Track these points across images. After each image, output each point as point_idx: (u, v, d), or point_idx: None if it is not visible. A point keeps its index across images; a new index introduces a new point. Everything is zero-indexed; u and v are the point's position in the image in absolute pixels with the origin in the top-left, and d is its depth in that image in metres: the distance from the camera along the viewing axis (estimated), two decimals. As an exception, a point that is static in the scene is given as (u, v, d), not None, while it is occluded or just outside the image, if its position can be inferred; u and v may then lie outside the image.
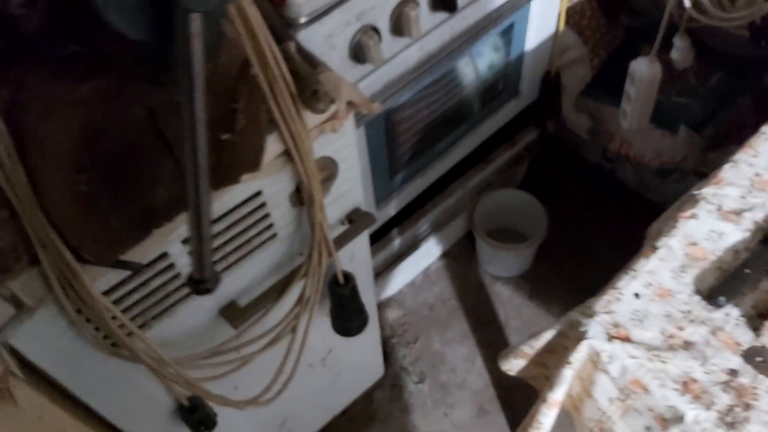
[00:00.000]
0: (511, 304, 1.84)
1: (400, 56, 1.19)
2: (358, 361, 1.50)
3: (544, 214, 1.75)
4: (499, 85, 1.53)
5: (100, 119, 0.61)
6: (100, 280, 0.77)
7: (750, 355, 0.80)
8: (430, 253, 1.84)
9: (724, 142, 1.58)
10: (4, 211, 0.67)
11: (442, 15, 1.19)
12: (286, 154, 0.85)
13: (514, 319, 1.82)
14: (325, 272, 1.01)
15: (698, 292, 0.84)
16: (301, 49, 0.87)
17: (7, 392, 0.78)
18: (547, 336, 0.92)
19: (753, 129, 1.55)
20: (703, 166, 1.61)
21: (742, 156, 0.94)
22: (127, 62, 0.58)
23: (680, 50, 1.36)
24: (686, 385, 0.79)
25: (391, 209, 1.52)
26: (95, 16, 0.58)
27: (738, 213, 0.88)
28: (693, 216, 0.89)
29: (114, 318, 0.79)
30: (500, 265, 1.85)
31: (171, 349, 0.91)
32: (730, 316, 0.83)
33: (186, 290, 0.90)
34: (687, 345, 0.81)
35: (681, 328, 0.82)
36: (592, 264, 1.86)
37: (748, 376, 0.79)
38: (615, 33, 1.62)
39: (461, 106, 1.48)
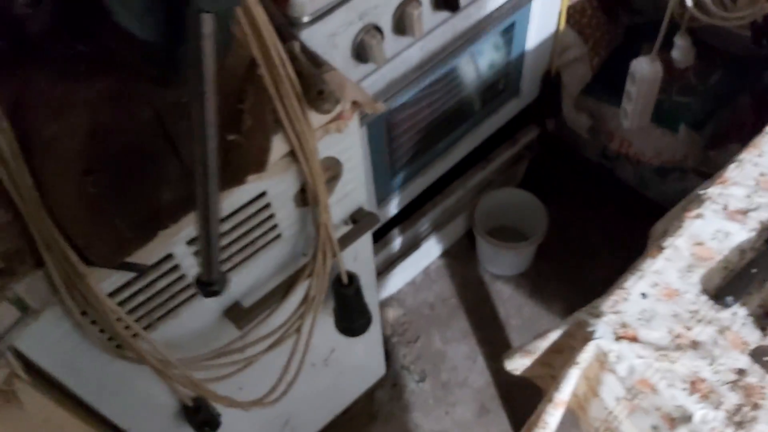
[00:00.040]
0: (511, 303, 1.84)
1: (402, 55, 1.19)
2: (360, 361, 1.50)
3: (544, 212, 1.75)
4: (500, 84, 1.53)
5: (107, 120, 0.61)
6: (105, 282, 0.76)
7: (757, 355, 0.80)
8: (430, 252, 1.84)
9: (724, 140, 1.58)
10: (9, 213, 0.67)
11: (444, 14, 1.19)
12: (291, 154, 0.85)
13: (515, 317, 1.82)
14: (330, 272, 1.01)
15: (705, 291, 0.85)
16: (305, 49, 0.87)
17: (12, 395, 0.78)
18: (554, 336, 0.92)
19: (753, 128, 1.56)
20: (703, 165, 1.62)
21: (747, 156, 0.94)
22: (134, 63, 0.58)
23: (681, 49, 1.36)
24: (694, 385, 0.79)
25: (392, 209, 1.52)
26: (101, 16, 0.58)
27: (744, 213, 0.88)
28: (699, 216, 0.89)
29: (119, 320, 0.78)
30: (500, 263, 1.85)
31: (175, 351, 0.91)
32: (737, 316, 0.83)
33: (191, 291, 0.90)
34: (695, 345, 0.81)
35: (688, 328, 0.82)
36: (591, 262, 1.87)
37: (756, 376, 0.79)
38: (615, 32, 1.62)
39: (462, 106, 1.47)
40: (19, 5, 0.56)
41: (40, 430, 0.85)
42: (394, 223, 1.61)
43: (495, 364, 1.75)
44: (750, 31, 1.20)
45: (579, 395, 0.96)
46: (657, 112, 1.52)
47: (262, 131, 0.75)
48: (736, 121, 1.56)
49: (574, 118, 1.70)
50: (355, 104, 0.87)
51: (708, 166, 1.61)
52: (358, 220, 1.05)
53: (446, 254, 1.92)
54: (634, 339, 0.82)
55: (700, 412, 0.78)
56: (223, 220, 0.84)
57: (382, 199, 1.46)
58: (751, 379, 0.79)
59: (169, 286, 0.86)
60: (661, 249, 0.88)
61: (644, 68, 1.35)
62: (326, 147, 0.90)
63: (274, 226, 0.94)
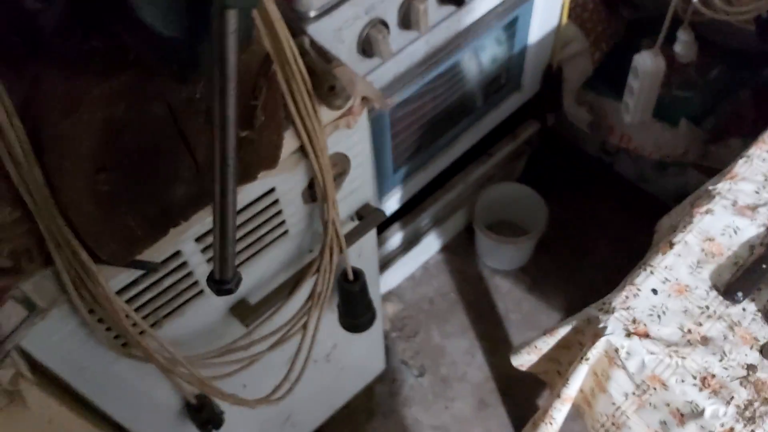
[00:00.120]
0: (510, 298, 1.84)
1: (407, 50, 1.18)
2: (360, 356, 1.50)
3: (544, 207, 1.75)
4: (502, 79, 1.53)
5: (121, 117, 0.59)
6: (113, 279, 0.75)
7: (767, 350, 0.80)
8: (429, 246, 1.84)
9: (724, 135, 1.59)
10: (17, 211, 0.66)
11: (449, 8, 1.18)
12: (301, 150, 0.84)
13: (514, 312, 1.82)
14: (336, 269, 1.00)
15: (715, 287, 0.85)
16: (314, 44, 0.86)
17: (17, 395, 0.77)
18: (563, 332, 0.92)
19: (753, 122, 1.57)
20: (703, 160, 1.62)
21: (756, 151, 0.94)
22: (150, 59, 0.56)
23: (684, 44, 1.36)
24: (705, 381, 0.79)
25: (394, 204, 1.51)
26: (115, 11, 0.57)
27: (753, 208, 0.89)
28: (709, 211, 0.89)
29: (127, 317, 0.77)
30: (500, 258, 1.85)
31: (181, 348, 0.90)
32: (747, 312, 0.83)
33: (197, 289, 0.89)
34: (705, 340, 0.81)
35: (699, 324, 0.82)
36: (591, 257, 1.87)
37: (765, 371, 0.79)
38: (616, 26, 1.62)
39: (464, 100, 1.47)
40: (31, 0, 0.54)
41: (45, 430, 0.84)
42: (395, 218, 1.61)
43: (494, 358, 1.75)
44: (754, 25, 1.20)
45: (585, 390, 0.96)
46: (657, 106, 1.52)
47: (274, 127, 0.74)
48: (737, 116, 1.56)
49: (574, 112, 1.70)
50: (364, 100, 0.86)
51: (708, 161, 1.62)
52: (364, 216, 1.05)
53: (445, 249, 1.92)
54: (645, 335, 0.82)
55: (710, 407, 0.78)
56: (232, 216, 0.83)
57: (383, 194, 1.45)
58: (762, 375, 0.79)
59: (176, 283, 0.85)
60: (671, 245, 0.88)
61: (647, 63, 1.35)
62: (335, 143, 0.89)
63: (282, 223, 0.93)
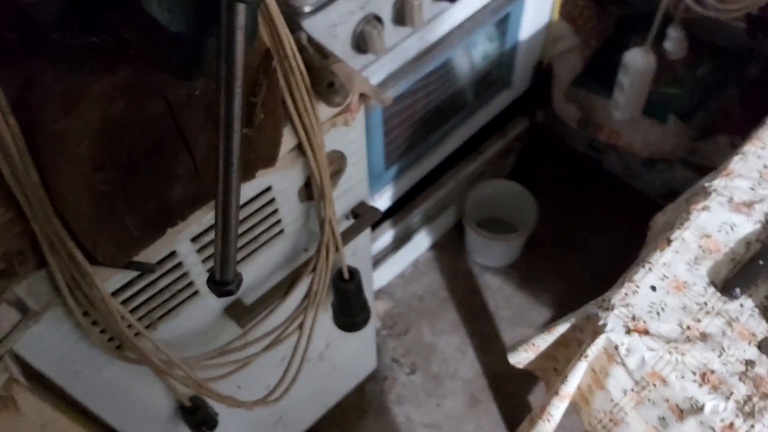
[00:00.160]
0: (500, 294, 1.84)
1: (400, 46, 1.17)
2: (353, 355, 1.49)
3: (533, 204, 1.75)
4: (493, 76, 1.52)
5: (119, 115, 0.58)
6: (108, 281, 0.73)
7: (765, 346, 0.81)
8: (419, 244, 1.83)
9: (711, 132, 1.60)
10: (10, 212, 0.64)
11: (442, 4, 1.18)
12: (298, 148, 0.83)
13: (504, 308, 1.82)
14: (331, 268, 0.99)
15: (713, 284, 0.85)
16: (311, 40, 0.85)
17: (10, 400, 0.75)
18: (561, 329, 0.92)
19: (740, 119, 1.58)
20: (690, 156, 1.63)
21: (751, 148, 0.94)
22: (150, 54, 0.55)
23: (674, 41, 1.37)
24: (704, 376, 0.79)
25: (385, 201, 1.50)
26: (113, 6, 0.55)
27: (749, 205, 0.89)
28: (705, 208, 0.90)
29: (122, 319, 0.76)
30: (490, 255, 1.85)
31: (175, 350, 0.88)
32: (745, 307, 0.84)
33: (192, 290, 0.88)
34: (704, 336, 0.82)
35: (698, 320, 0.83)
36: (580, 253, 1.88)
37: (764, 367, 0.80)
38: (605, 23, 1.62)
39: (456, 97, 1.46)
40: (26, -7, 0.53)
41: (38, 436, 0.83)
42: (385, 216, 1.60)
43: (485, 355, 1.75)
44: (745, 23, 1.20)
45: (582, 387, 0.96)
46: (646, 103, 1.53)
47: (273, 125, 0.73)
48: (724, 113, 1.58)
49: (564, 109, 1.71)
50: (362, 96, 0.85)
51: (695, 157, 1.63)
52: (360, 214, 1.04)
53: (435, 246, 1.91)
54: (645, 332, 0.82)
55: (710, 403, 0.78)
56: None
57: (375, 192, 1.44)
58: (760, 370, 0.80)
59: (171, 284, 0.83)
60: (669, 241, 0.88)
61: (638, 60, 1.36)
62: (331, 140, 0.88)
63: (278, 222, 0.92)
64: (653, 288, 0.85)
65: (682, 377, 0.80)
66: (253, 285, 0.97)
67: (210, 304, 0.93)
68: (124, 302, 0.78)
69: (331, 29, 1.01)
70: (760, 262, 0.84)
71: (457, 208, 1.83)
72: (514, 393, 1.70)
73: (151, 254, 0.76)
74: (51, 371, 0.80)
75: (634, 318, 0.84)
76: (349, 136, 0.91)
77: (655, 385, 0.83)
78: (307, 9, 0.95)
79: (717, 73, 1.55)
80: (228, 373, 0.98)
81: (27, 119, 0.56)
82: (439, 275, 1.88)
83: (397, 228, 1.64)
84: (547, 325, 0.93)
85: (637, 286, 0.85)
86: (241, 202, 0.82)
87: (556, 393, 0.94)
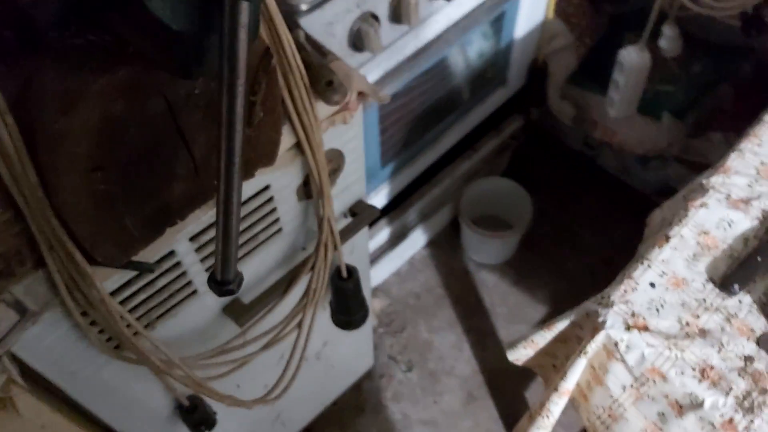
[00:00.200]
0: (496, 291, 1.85)
1: (397, 44, 1.17)
2: (350, 353, 1.49)
3: (528, 201, 1.76)
4: (488, 74, 1.53)
5: (119, 114, 0.57)
6: (106, 281, 0.73)
7: (764, 341, 0.81)
8: (415, 242, 1.83)
9: (705, 129, 1.61)
10: (8, 212, 0.63)
11: (439, 2, 1.17)
12: (297, 146, 0.83)
13: (500, 305, 1.82)
14: (330, 266, 0.99)
15: (711, 280, 0.85)
16: (309, 38, 0.84)
17: (9, 402, 0.74)
18: (561, 326, 0.92)
19: (733, 116, 1.59)
20: (684, 153, 1.64)
21: (747, 145, 0.95)
22: (150, 53, 0.54)
23: (669, 39, 1.37)
24: (704, 372, 0.80)
25: (381, 199, 1.50)
26: (112, 5, 0.55)
27: (746, 201, 0.90)
28: (703, 205, 0.90)
29: (121, 319, 0.75)
30: (486, 252, 1.86)
31: (174, 350, 0.88)
32: (743, 304, 0.84)
33: (191, 289, 0.87)
34: (703, 333, 0.82)
35: (697, 316, 0.83)
36: (575, 249, 1.89)
37: (762, 362, 0.80)
38: (599, 21, 1.63)
39: (451, 95, 1.46)
40: (24, -9, 0.52)
41: (36, 437, 0.82)
42: (382, 214, 1.60)
43: (481, 352, 1.76)
44: (740, 21, 1.21)
45: (581, 384, 0.97)
46: (640, 101, 1.54)
47: (272, 123, 0.72)
48: (718, 110, 1.58)
49: (559, 107, 1.71)
50: (361, 95, 0.85)
51: (689, 155, 1.64)
52: (358, 212, 1.04)
53: (431, 244, 1.91)
54: (644, 328, 0.82)
55: (710, 398, 0.79)
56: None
57: (371, 190, 1.44)
58: (759, 366, 0.80)
59: (169, 284, 0.83)
60: (667, 238, 0.88)
61: (633, 57, 1.36)
62: (329, 139, 0.88)
63: (276, 221, 0.91)
64: (652, 285, 0.86)
65: (682, 373, 0.80)
66: (251, 284, 0.97)
67: (208, 304, 0.93)
68: (122, 302, 0.78)
69: (327, 27, 1.01)
70: (758, 259, 0.85)
71: (452, 206, 1.83)
72: (510, 389, 1.70)
73: (149, 254, 0.75)
74: (49, 372, 0.79)
75: (633, 314, 0.84)
76: (348, 134, 0.91)
77: (654, 381, 0.83)
78: (303, 7, 0.95)
79: (711, 71, 1.56)
80: (227, 372, 0.97)
81: (25, 119, 0.55)
82: (435, 273, 1.88)
83: (393, 226, 1.64)
84: (545, 321, 0.94)
85: (637, 283, 0.86)
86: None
87: (555, 389, 0.94)
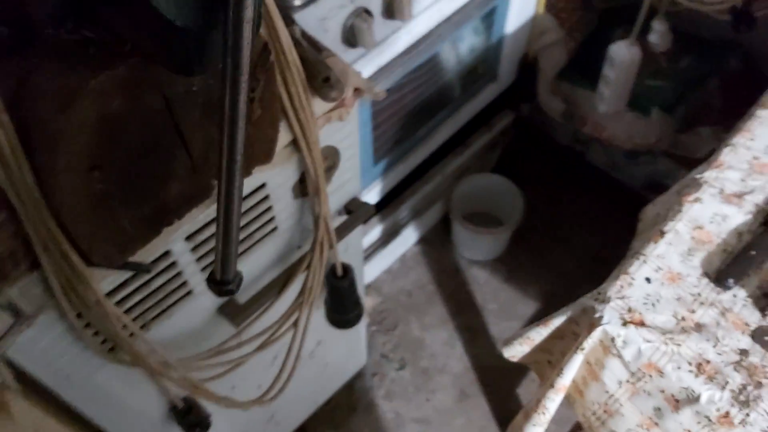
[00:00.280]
0: (488, 288, 1.85)
1: (389, 40, 1.16)
2: (343, 352, 1.48)
3: (519, 197, 1.76)
4: (479, 69, 1.52)
5: (117, 112, 0.56)
6: (102, 282, 0.72)
7: (758, 335, 0.82)
8: (407, 239, 1.83)
9: (693, 123, 1.62)
10: (2, 213, 0.62)
11: (431, -3, 1.17)
12: (293, 143, 0.82)
13: (491, 302, 1.83)
14: (325, 265, 0.99)
15: (706, 274, 0.86)
16: (305, 34, 0.84)
17: (2, 406, 0.73)
18: (557, 322, 0.92)
19: (721, 111, 1.60)
20: (673, 148, 1.65)
21: (740, 140, 0.95)
22: (148, 50, 0.53)
23: (659, 34, 1.38)
24: (700, 367, 0.80)
25: (374, 197, 1.50)
26: (109, 1, 0.54)
27: (739, 196, 0.90)
28: (697, 200, 0.90)
29: (117, 320, 0.74)
30: (477, 249, 1.86)
31: (169, 351, 0.87)
32: (738, 298, 0.85)
33: (186, 289, 0.86)
34: (698, 327, 0.83)
35: (692, 311, 0.84)
36: (565, 245, 1.90)
37: (757, 355, 0.81)
38: (589, 16, 1.63)
39: (443, 91, 1.46)
40: (18, -13, 0.51)
41: (30, 442, 0.81)
42: (374, 211, 1.59)
43: (473, 349, 1.76)
44: (729, 16, 1.22)
45: (577, 380, 0.97)
46: (630, 96, 1.54)
47: (270, 121, 0.71)
48: (706, 104, 1.60)
49: (548, 102, 1.71)
50: (357, 91, 0.84)
51: (678, 149, 1.65)
52: (353, 210, 1.03)
53: (422, 241, 1.91)
54: (641, 323, 0.83)
55: (706, 393, 0.79)
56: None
57: (364, 187, 1.43)
58: (754, 359, 0.81)
59: (165, 284, 0.82)
60: (662, 233, 0.89)
61: (623, 53, 1.37)
62: (325, 136, 0.87)
63: (271, 219, 0.91)
64: (648, 280, 0.86)
65: (678, 368, 0.81)
66: (246, 284, 0.96)
67: (204, 304, 0.92)
68: (117, 303, 0.76)
69: (321, 23, 1.00)
70: (752, 253, 0.85)
71: (443, 203, 1.83)
72: (502, 386, 1.71)
73: (145, 254, 0.74)
74: (43, 376, 0.78)
75: (630, 310, 0.84)
76: (343, 131, 0.90)
77: (651, 376, 0.83)
78: (297, 2, 0.94)
79: (699, 66, 1.57)
80: (223, 373, 0.96)
81: (21, 117, 0.54)
82: (427, 270, 1.88)
83: (385, 223, 1.64)
84: (536, 317, 0.94)
85: (632, 278, 0.86)
86: (236, 199, 0.81)
87: (552, 386, 0.94)
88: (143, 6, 0.46)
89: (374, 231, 1.63)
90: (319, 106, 0.81)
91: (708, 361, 0.81)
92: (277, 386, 1.02)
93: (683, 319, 0.83)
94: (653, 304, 0.84)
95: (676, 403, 0.83)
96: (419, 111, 1.43)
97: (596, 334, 0.85)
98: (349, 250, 1.15)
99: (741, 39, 1.39)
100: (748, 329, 0.83)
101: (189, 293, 0.87)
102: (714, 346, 0.82)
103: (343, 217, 1.03)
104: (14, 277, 0.65)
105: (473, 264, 1.88)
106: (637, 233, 1.08)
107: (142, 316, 0.83)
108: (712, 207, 0.90)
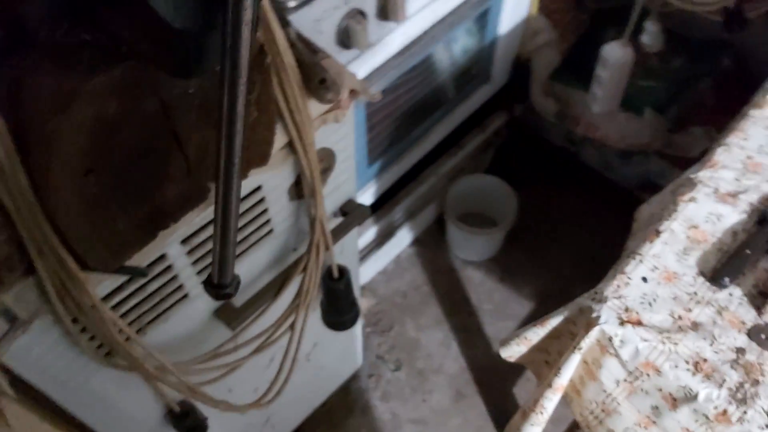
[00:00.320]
0: (482, 288, 1.85)
1: (383, 41, 1.16)
2: (339, 354, 1.48)
3: (513, 198, 1.76)
4: (473, 70, 1.53)
5: (112, 114, 0.56)
6: (97, 287, 0.71)
7: (754, 333, 0.82)
8: (401, 240, 1.83)
9: (686, 123, 1.63)
10: (-4, 218, 0.61)
11: (425, -1, 1.17)
12: (289, 145, 0.82)
13: (486, 302, 1.83)
14: (322, 267, 0.98)
15: (702, 273, 0.86)
16: (300, 36, 0.83)
17: (-2, 413, 0.72)
18: (554, 322, 0.92)
19: (713, 111, 1.61)
20: (666, 148, 1.66)
21: (734, 139, 0.96)
22: (145, 52, 0.53)
23: (651, 34, 1.38)
24: (697, 365, 0.80)
25: (368, 198, 1.49)
26: (105, 3, 0.53)
27: (734, 195, 0.91)
28: (692, 199, 0.91)
29: (113, 325, 0.74)
30: (471, 249, 1.86)
31: (165, 355, 0.86)
32: (734, 296, 0.85)
33: (182, 293, 0.86)
34: (695, 326, 0.83)
35: (689, 310, 0.84)
36: (559, 244, 1.90)
37: (754, 353, 0.81)
38: (581, 17, 1.64)
39: (436, 93, 1.46)
40: (12, -12, 0.50)
41: (25, 448, 0.80)
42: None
43: (469, 349, 1.76)
44: (722, 16, 1.23)
45: (574, 379, 0.97)
46: (623, 96, 1.55)
47: (267, 123, 0.71)
48: (698, 104, 1.60)
49: (541, 103, 1.72)
50: (352, 93, 0.84)
51: (671, 149, 1.66)
52: (348, 212, 1.03)
53: (416, 242, 1.91)
54: (638, 323, 0.83)
55: (704, 391, 0.80)
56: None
57: (358, 188, 1.43)
58: (750, 357, 0.81)
59: (161, 288, 0.81)
60: (658, 233, 0.89)
61: (616, 53, 1.37)
62: (321, 138, 0.87)
63: (267, 221, 0.90)
64: (644, 279, 0.86)
65: (676, 366, 0.81)
66: (242, 287, 0.94)
67: (200, 308, 0.91)
68: (113, 308, 0.76)
69: (315, 24, 1.00)
70: (747, 252, 0.86)
71: (438, 204, 1.83)
72: (498, 386, 1.71)
73: (140, 258, 0.73)
74: (39, 381, 0.77)
75: (627, 309, 0.84)
76: (339, 133, 0.90)
77: (648, 374, 0.84)
78: (291, 4, 0.94)
79: (692, 66, 1.58)
80: (219, 376, 0.96)
81: (16, 119, 0.53)
82: (421, 271, 1.88)
83: (380, 224, 1.63)
84: (531, 317, 0.94)
85: (629, 278, 0.86)
86: (232, 202, 0.81)
87: (549, 386, 0.94)
88: (141, 8, 0.46)
89: (369, 232, 1.62)
90: (315, 108, 0.81)
91: (705, 360, 0.81)
92: (274, 389, 1.02)
93: (680, 318, 0.84)
94: (650, 304, 0.85)
95: (674, 402, 0.84)
96: (413, 112, 1.43)
97: (593, 333, 0.85)
98: (345, 251, 1.14)
99: (733, 39, 1.40)
100: (744, 327, 0.83)
101: (185, 297, 0.87)
102: (711, 345, 0.82)
103: (339, 219, 1.03)
104: (9, 282, 0.65)
105: (468, 264, 1.88)
106: (632, 233, 1.08)
107: (138, 320, 0.82)
108: (707, 206, 0.90)
